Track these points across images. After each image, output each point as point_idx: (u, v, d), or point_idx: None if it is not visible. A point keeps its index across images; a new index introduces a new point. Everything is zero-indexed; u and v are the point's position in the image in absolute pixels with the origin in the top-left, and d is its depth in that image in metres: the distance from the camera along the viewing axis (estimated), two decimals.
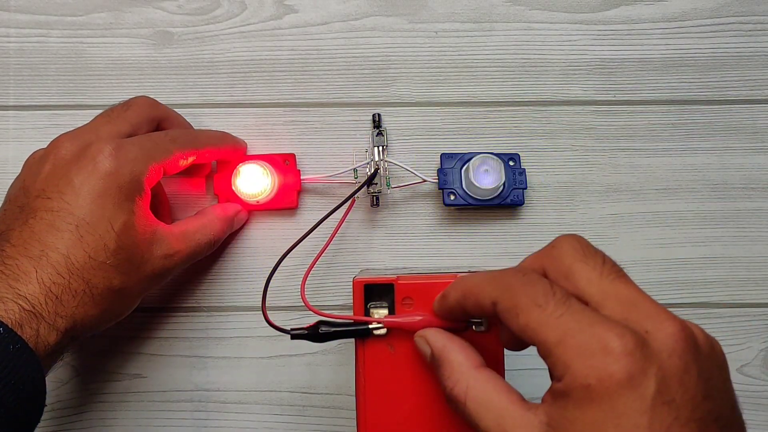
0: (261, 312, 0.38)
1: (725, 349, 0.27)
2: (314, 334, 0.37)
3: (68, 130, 0.39)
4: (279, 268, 0.40)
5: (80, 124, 0.39)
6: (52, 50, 0.49)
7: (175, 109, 0.44)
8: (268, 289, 0.39)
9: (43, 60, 0.49)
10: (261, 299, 0.39)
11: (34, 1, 0.49)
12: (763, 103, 0.49)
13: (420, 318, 0.35)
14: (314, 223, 0.43)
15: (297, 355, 0.47)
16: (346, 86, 0.49)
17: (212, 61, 0.49)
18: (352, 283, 0.36)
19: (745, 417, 0.26)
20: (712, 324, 0.47)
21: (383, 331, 0.36)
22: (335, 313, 0.37)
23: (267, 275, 0.40)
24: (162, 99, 0.48)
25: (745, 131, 0.49)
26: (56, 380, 0.47)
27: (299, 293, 0.44)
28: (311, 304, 0.38)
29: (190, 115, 0.48)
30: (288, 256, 0.41)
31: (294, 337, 0.37)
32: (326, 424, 0.47)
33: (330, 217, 0.44)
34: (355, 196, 0.45)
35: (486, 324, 0.35)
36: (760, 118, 0.49)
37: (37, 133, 0.48)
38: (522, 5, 0.49)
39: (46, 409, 0.47)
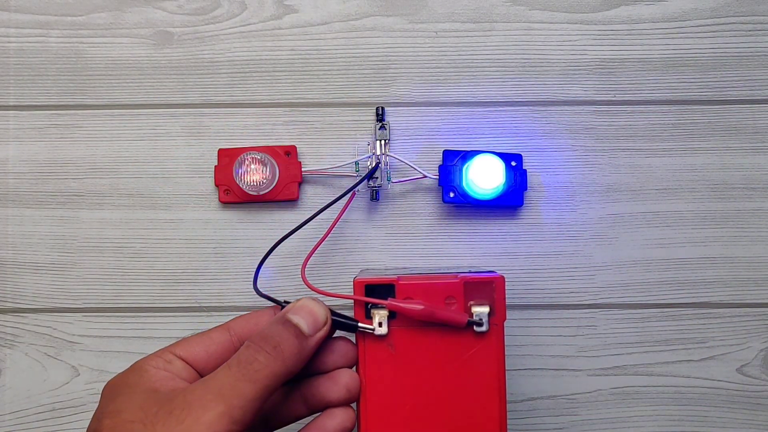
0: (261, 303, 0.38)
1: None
2: None
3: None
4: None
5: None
6: (52, 50, 0.49)
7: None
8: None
9: (43, 60, 0.49)
10: (254, 277, 0.39)
11: (34, 1, 0.49)
12: (763, 103, 0.49)
13: (422, 307, 0.35)
14: (313, 213, 0.43)
15: None
16: (346, 86, 0.49)
17: (212, 61, 0.49)
18: (352, 284, 0.36)
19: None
20: (712, 324, 0.47)
21: (384, 331, 0.36)
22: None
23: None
24: (162, 99, 0.49)
25: (745, 131, 0.49)
26: (56, 380, 0.47)
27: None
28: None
29: (190, 115, 0.49)
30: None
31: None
32: None
33: (329, 209, 0.44)
34: (356, 189, 0.45)
35: (486, 324, 0.36)
36: (760, 118, 0.49)
37: (37, 133, 0.48)
38: (522, 5, 0.49)
39: (46, 408, 0.47)
